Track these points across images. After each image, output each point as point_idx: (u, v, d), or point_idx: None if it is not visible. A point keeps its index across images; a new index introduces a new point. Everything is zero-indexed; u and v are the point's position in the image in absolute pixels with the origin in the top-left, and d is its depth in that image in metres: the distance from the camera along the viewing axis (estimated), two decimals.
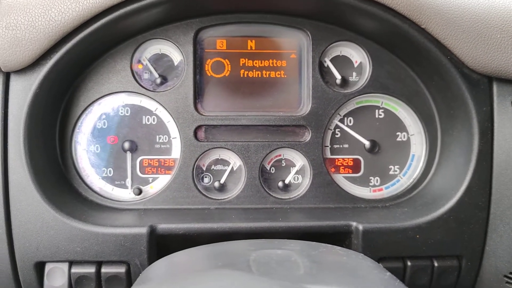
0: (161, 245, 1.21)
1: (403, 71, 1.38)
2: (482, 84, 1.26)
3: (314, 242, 0.98)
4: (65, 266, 1.20)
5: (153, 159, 1.38)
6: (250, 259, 0.80)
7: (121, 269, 1.19)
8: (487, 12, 1.21)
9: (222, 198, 1.38)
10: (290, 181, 1.41)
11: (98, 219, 1.24)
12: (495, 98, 1.26)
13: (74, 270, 1.19)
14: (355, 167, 1.42)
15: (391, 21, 1.22)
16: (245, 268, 0.75)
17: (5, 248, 1.19)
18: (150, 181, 1.39)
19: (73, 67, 1.28)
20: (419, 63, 1.34)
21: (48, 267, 1.20)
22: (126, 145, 1.36)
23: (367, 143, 1.40)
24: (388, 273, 0.85)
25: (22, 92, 1.19)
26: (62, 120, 1.34)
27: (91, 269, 1.19)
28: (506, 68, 1.20)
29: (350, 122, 1.42)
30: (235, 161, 1.39)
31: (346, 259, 0.88)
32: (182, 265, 0.91)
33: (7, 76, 1.20)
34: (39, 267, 1.20)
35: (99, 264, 1.20)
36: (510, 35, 1.19)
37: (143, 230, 1.18)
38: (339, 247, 0.99)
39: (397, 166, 1.43)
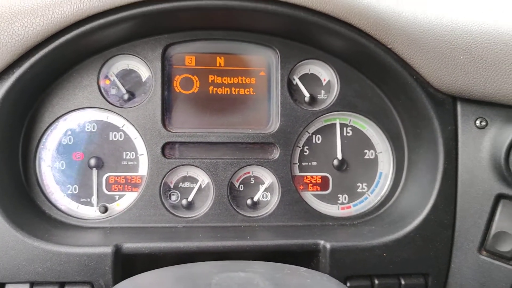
0: (126, 264, 1.19)
1: (370, 90, 1.40)
2: (447, 103, 1.28)
3: (279, 264, 0.97)
4: (26, 287, 1.16)
5: (120, 176, 1.36)
6: (212, 283, 0.79)
7: None
8: (451, 33, 1.24)
9: (190, 216, 1.37)
10: (258, 198, 1.40)
11: (61, 238, 1.21)
12: (459, 117, 1.28)
13: None
14: (324, 184, 1.43)
15: (358, 40, 1.24)
16: None
17: None
18: (117, 198, 1.36)
19: (37, 82, 1.25)
20: (385, 82, 1.36)
21: None
22: (92, 161, 1.34)
23: (335, 161, 1.41)
24: None
25: None
26: (25, 136, 1.31)
27: None
28: (469, 88, 1.23)
29: (318, 139, 1.42)
30: (203, 179, 1.38)
31: (310, 282, 0.88)
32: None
33: None
34: None
35: (61, 285, 1.16)
36: (472, 57, 1.22)
37: (108, 249, 1.16)
38: (305, 269, 0.98)
39: (365, 184, 1.44)
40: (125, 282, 0.93)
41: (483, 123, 1.26)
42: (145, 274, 0.94)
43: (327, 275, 0.99)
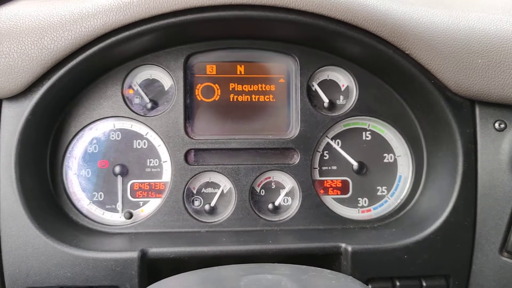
0: (152, 269, 1.22)
1: (388, 95, 1.42)
2: (465, 107, 1.29)
3: (304, 266, 0.99)
4: None
5: (144, 182, 1.40)
6: (241, 285, 0.81)
7: None
8: (469, 37, 1.25)
9: (213, 221, 1.40)
10: (280, 203, 1.42)
11: (88, 243, 1.25)
12: (478, 120, 1.29)
13: None
14: (344, 188, 1.45)
15: (376, 47, 1.26)
16: None
17: None
18: (141, 204, 1.40)
19: (64, 93, 1.29)
20: (404, 86, 1.38)
21: None
22: (117, 169, 1.37)
23: (355, 165, 1.43)
24: None
25: (14, 118, 1.20)
26: (53, 146, 1.35)
27: None
28: (487, 91, 1.24)
29: (338, 144, 1.44)
30: (225, 184, 1.41)
31: (335, 283, 0.90)
32: None
33: (0, 103, 1.21)
34: None
35: None
36: (490, 60, 1.23)
37: (134, 254, 1.19)
38: (329, 271, 1.00)
39: (385, 187, 1.45)
40: (153, 286, 0.95)
41: (502, 126, 1.27)
42: (173, 278, 0.97)
43: (350, 276, 1.01)
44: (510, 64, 1.23)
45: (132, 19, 1.18)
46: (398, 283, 1.26)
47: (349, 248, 1.24)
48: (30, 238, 1.19)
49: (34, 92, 1.20)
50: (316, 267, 1.01)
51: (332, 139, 1.44)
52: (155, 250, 1.22)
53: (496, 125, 1.28)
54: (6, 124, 1.21)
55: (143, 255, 1.20)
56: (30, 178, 1.25)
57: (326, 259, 1.28)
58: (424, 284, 1.27)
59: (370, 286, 1.24)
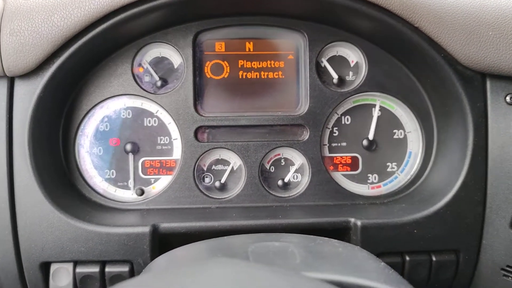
0: (164, 244, 1.23)
1: (398, 70, 1.41)
2: (476, 80, 1.28)
3: (312, 236, 1.00)
4: (70, 266, 1.22)
5: (155, 160, 1.41)
6: (248, 250, 0.83)
7: (125, 268, 1.21)
8: (479, 9, 1.24)
9: (223, 197, 1.41)
10: (289, 179, 1.43)
11: (101, 219, 1.27)
12: (488, 94, 1.28)
13: (79, 270, 1.21)
14: (353, 164, 1.45)
15: (385, 20, 1.25)
16: (243, 258, 0.78)
17: (11, 249, 1.22)
18: (152, 181, 1.41)
19: (75, 71, 1.31)
20: (413, 61, 1.37)
21: (53, 267, 1.22)
22: (128, 147, 1.39)
23: (364, 141, 1.43)
24: (383, 263, 0.88)
25: (26, 96, 1.22)
26: (65, 123, 1.37)
27: (95, 269, 1.21)
28: (498, 64, 1.23)
29: (347, 120, 1.44)
30: (235, 161, 1.42)
31: (342, 250, 0.91)
32: (183, 258, 0.94)
33: (12, 80, 1.23)
34: (45, 267, 1.23)
35: (103, 264, 1.22)
36: (501, 32, 1.21)
37: (146, 229, 1.21)
38: (336, 240, 1.01)
39: (395, 163, 1.45)
40: (163, 256, 0.97)
41: None
42: (182, 247, 0.99)
43: (358, 246, 1.01)
44: None
45: None
46: (408, 258, 1.26)
47: (359, 223, 1.24)
48: (44, 213, 1.21)
49: (45, 70, 1.22)
50: (323, 237, 1.01)
51: (341, 115, 1.43)
52: (166, 225, 1.24)
53: (508, 98, 1.26)
54: (19, 101, 1.23)
55: (155, 230, 1.22)
56: (43, 155, 1.27)
57: (336, 234, 1.28)
58: (434, 258, 1.27)
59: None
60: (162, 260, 0.96)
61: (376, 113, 1.43)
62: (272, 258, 0.80)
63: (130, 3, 1.19)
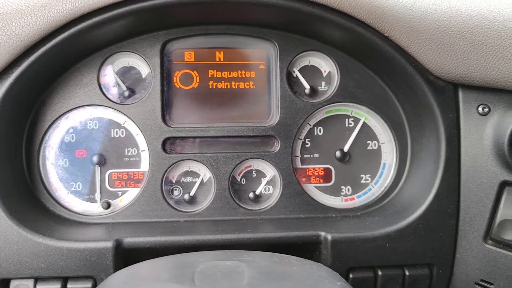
0: (129, 259, 1.19)
1: (371, 80, 1.39)
2: (448, 91, 1.26)
3: (270, 253, 0.97)
4: (30, 282, 1.18)
5: (122, 172, 1.37)
6: (195, 271, 0.79)
7: (87, 285, 1.17)
8: (450, 19, 1.22)
9: (192, 210, 1.37)
10: (261, 191, 1.40)
11: (64, 233, 1.23)
12: (461, 104, 1.26)
13: (40, 286, 1.17)
14: (326, 176, 1.42)
15: (355, 29, 1.23)
16: (188, 281, 0.74)
17: None
18: (120, 194, 1.37)
19: (37, 81, 1.27)
20: (385, 71, 1.34)
21: (13, 284, 1.18)
22: (95, 158, 1.35)
23: (337, 152, 1.40)
24: (340, 283, 0.84)
25: None
26: (28, 135, 1.33)
27: (56, 285, 1.17)
28: (470, 75, 1.21)
29: (320, 131, 1.41)
30: (205, 173, 1.38)
31: (296, 269, 0.87)
32: (133, 277, 0.90)
33: None
34: (4, 284, 1.18)
35: (65, 280, 1.18)
36: (472, 42, 1.19)
37: (109, 244, 1.17)
38: (295, 257, 0.98)
39: (369, 175, 1.42)
40: (118, 273, 0.93)
41: (486, 110, 1.24)
42: (137, 265, 0.95)
43: (318, 263, 0.98)
44: (493, 46, 1.19)
45: (103, 3, 1.15)
46: (380, 273, 1.23)
47: (329, 237, 1.21)
48: (2, 228, 1.17)
49: (3, 79, 1.18)
50: (282, 254, 0.98)
51: (314, 126, 1.41)
52: (130, 239, 1.20)
53: (480, 109, 1.24)
54: None
55: (118, 245, 1.18)
56: (4, 167, 1.23)
57: (307, 249, 1.26)
58: (407, 273, 1.24)
59: (351, 276, 1.22)
60: (113, 279, 0.92)
61: (359, 126, 1.41)
62: (218, 280, 0.76)
63: (91, 11, 1.16)
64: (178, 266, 0.88)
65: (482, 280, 1.23)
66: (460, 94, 1.26)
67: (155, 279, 0.84)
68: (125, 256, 1.19)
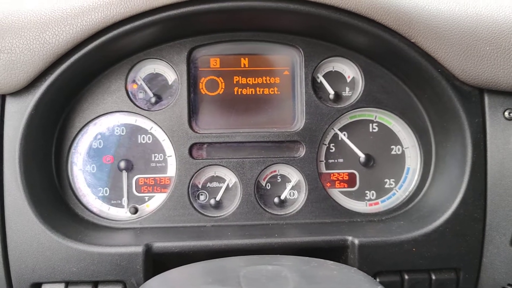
0: (158, 263, 1.21)
1: (395, 85, 1.40)
2: (474, 96, 1.26)
3: (306, 257, 0.98)
4: (61, 286, 1.19)
5: (149, 177, 1.39)
6: (240, 275, 0.80)
7: None
8: (476, 24, 1.22)
9: (218, 215, 1.38)
10: (286, 196, 1.41)
11: (94, 238, 1.24)
12: (487, 109, 1.26)
13: None
14: (351, 181, 1.43)
15: (382, 36, 1.24)
16: (235, 284, 0.75)
17: (1, 270, 1.19)
18: (146, 199, 1.39)
19: (67, 88, 1.29)
20: (410, 76, 1.35)
21: None
22: (122, 164, 1.37)
23: (362, 157, 1.41)
24: (380, 286, 0.85)
25: (18, 114, 1.21)
26: (57, 141, 1.35)
27: None
28: (496, 80, 1.21)
29: (344, 136, 1.42)
30: (230, 178, 1.40)
31: (336, 273, 0.88)
32: (175, 282, 0.91)
33: (3, 98, 1.21)
34: None
35: (95, 284, 1.19)
36: (498, 47, 1.20)
37: (139, 249, 1.18)
38: (331, 262, 0.99)
39: (393, 180, 1.43)
40: (155, 278, 0.95)
41: None
42: (175, 270, 0.96)
43: (355, 268, 0.99)
44: None
45: (133, 12, 1.17)
46: (406, 277, 1.24)
47: (356, 241, 1.22)
48: (35, 233, 1.19)
49: (37, 87, 1.20)
50: (319, 259, 0.99)
51: (338, 131, 1.42)
52: (160, 244, 1.21)
53: (506, 114, 1.25)
54: (10, 119, 1.21)
55: (148, 250, 1.19)
56: (34, 173, 1.25)
57: (333, 253, 1.26)
58: (433, 277, 1.24)
59: (377, 280, 1.22)
60: (154, 283, 0.94)
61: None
62: (264, 283, 0.78)
63: (122, 20, 1.17)
64: (220, 270, 0.90)
65: (509, 285, 1.24)
66: (486, 99, 1.26)
67: (201, 282, 0.85)
68: (154, 260, 1.21)
